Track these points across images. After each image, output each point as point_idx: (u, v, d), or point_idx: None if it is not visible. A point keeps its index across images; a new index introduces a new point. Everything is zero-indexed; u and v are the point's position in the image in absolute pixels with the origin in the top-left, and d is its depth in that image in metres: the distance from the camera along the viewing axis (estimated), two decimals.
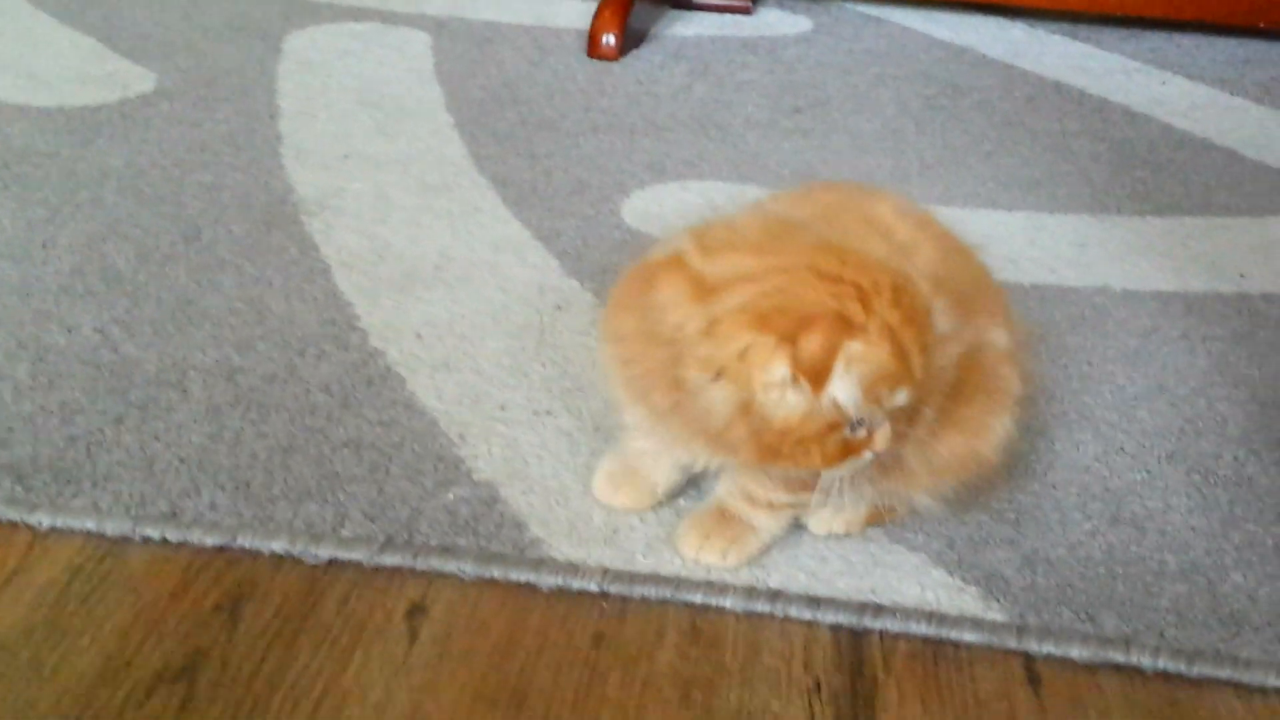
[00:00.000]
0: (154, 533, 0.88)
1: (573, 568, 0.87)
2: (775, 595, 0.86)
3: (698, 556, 0.89)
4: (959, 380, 0.83)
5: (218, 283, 1.19)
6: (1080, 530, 0.94)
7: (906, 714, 0.79)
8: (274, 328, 1.13)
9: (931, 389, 0.79)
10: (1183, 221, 1.45)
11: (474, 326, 1.15)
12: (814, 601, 0.86)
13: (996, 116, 1.73)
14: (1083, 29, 2.09)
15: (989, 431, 0.87)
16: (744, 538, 0.89)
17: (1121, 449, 1.04)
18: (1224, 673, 0.82)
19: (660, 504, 0.94)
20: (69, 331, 1.10)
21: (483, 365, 1.09)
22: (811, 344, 0.72)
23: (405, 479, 0.95)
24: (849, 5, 2.15)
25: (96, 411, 1.00)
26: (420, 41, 1.86)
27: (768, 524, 0.89)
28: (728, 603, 0.85)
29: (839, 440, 0.77)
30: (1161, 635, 0.85)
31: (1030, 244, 1.37)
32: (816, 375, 0.73)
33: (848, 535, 0.92)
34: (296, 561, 0.87)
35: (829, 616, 0.85)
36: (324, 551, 0.87)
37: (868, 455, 0.79)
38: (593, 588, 0.86)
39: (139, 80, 1.65)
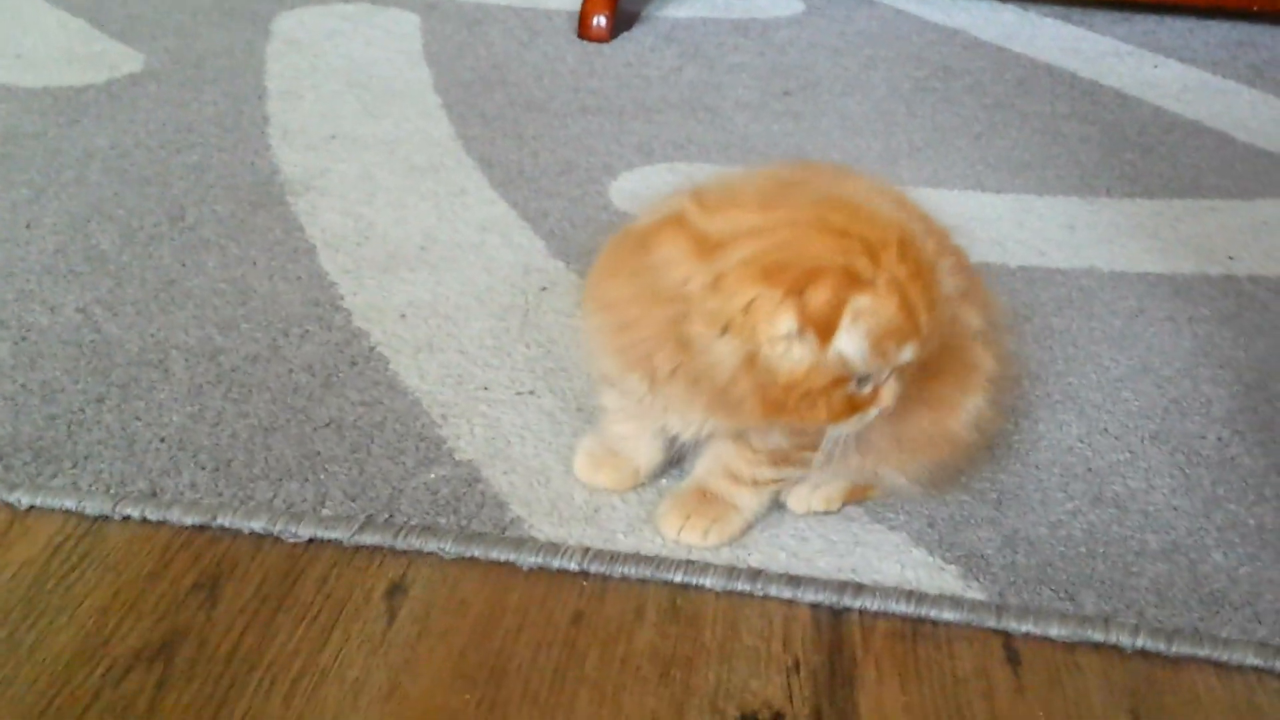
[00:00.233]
0: (134, 512, 0.88)
1: (553, 547, 0.87)
2: (755, 574, 0.86)
3: (679, 537, 0.88)
4: (929, 357, 0.82)
5: (202, 263, 1.19)
6: (1062, 510, 0.94)
7: (885, 692, 0.79)
8: (257, 308, 1.13)
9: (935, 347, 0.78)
10: (1172, 204, 1.45)
11: (458, 307, 1.15)
12: (794, 580, 0.86)
13: (987, 99, 1.72)
14: (1075, 12, 2.08)
15: (959, 409, 0.87)
16: (726, 517, 0.89)
17: (1105, 429, 1.03)
18: (1203, 651, 0.82)
19: (642, 484, 0.94)
20: (52, 311, 1.10)
21: (466, 346, 1.09)
22: (819, 296, 0.71)
23: (386, 459, 0.95)
24: None
25: (78, 391, 1.00)
26: (409, 22, 1.85)
27: (750, 503, 0.89)
28: (708, 582, 0.85)
29: (845, 396, 0.76)
30: (1141, 614, 0.85)
31: (1019, 226, 1.37)
32: (823, 328, 0.72)
33: (827, 513, 0.92)
34: (276, 541, 0.87)
35: (809, 595, 0.85)
36: (304, 531, 0.87)
37: (873, 411, 0.78)
38: (573, 567, 0.86)
39: (126, 61, 1.64)
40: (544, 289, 1.18)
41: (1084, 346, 1.15)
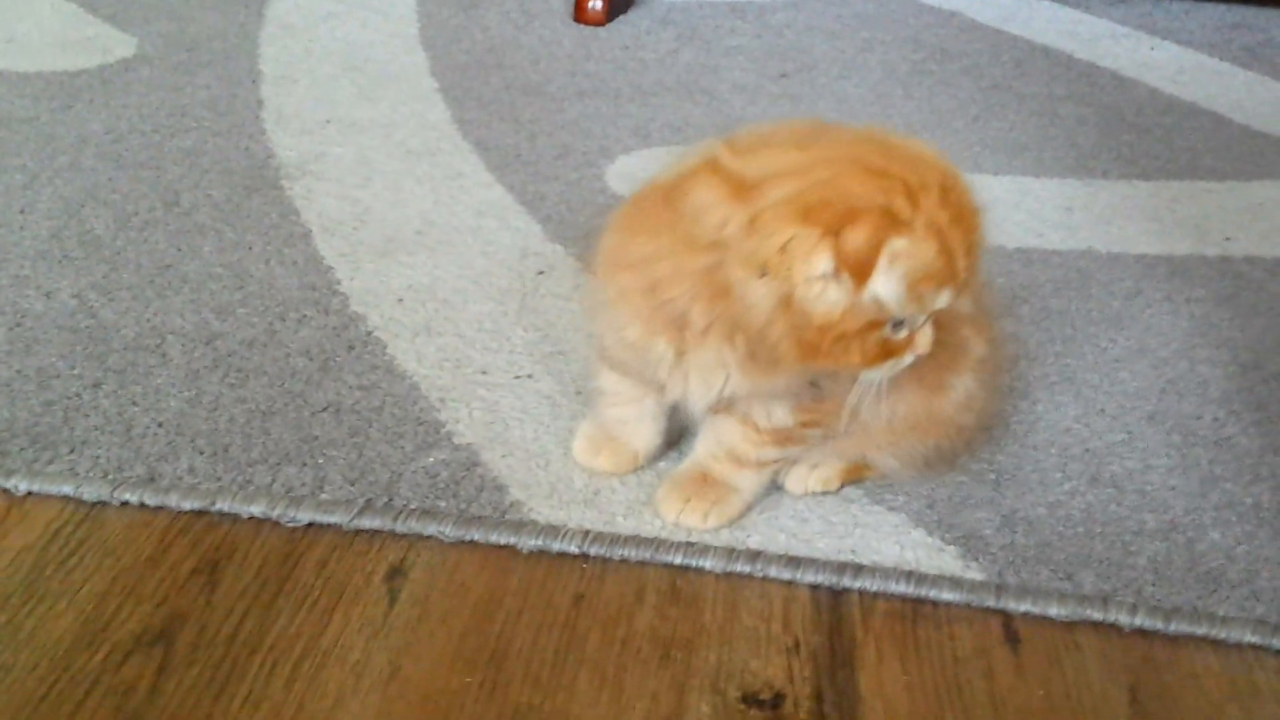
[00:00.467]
0: (132, 497, 0.88)
1: (553, 530, 0.87)
2: (755, 556, 0.86)
3: (679, 519, 0.88)
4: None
5: (197, 248, 1.19)
6: (1060, 490, 0.94)
7: (885, 673, 0.79)
8: (254, 292, 1.12)
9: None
10: (1169, 185, 1.44)
11: (455, 291, 1.15)
12: (793, 561, 0.86)
13: (984, 81, 1.72)
14: None
15: (948, 389, 0.87)
16: (725, 500, 0.89)
17: (1102, 410, 1.04)
18: (1201, 629, 0.82)
19: (641, 467, 0.94)
20: (47, 296, 1.10)
21: (464, 330, 1.09)
22: (856, 237, 0.69)
23: (385, 443, 0.95)
24: None
25: (74, 376, 1.00)
26: (405, 5, 1.84)
27: (749, 484, 0.89)
28: (707, 563, 0.86)
29: (879, 339, 0.74)
30: (1139, 593, 0.85)
31: (1016, 208, 1.37)
32: (860, 270, 0.70)
33: (826, 493, 0.92)
34: (275, 525, 0.87)
35: (808, 576, 0.85)
36: (303, 515, 0.87)
37: (908, 358, 0.77)
38: (573, 549, 0.86)
39: (120, 45, 1.63)
40: (541, 272, 1.18)
41: (1081, 327, 1.15)
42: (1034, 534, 0.90)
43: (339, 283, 1.15)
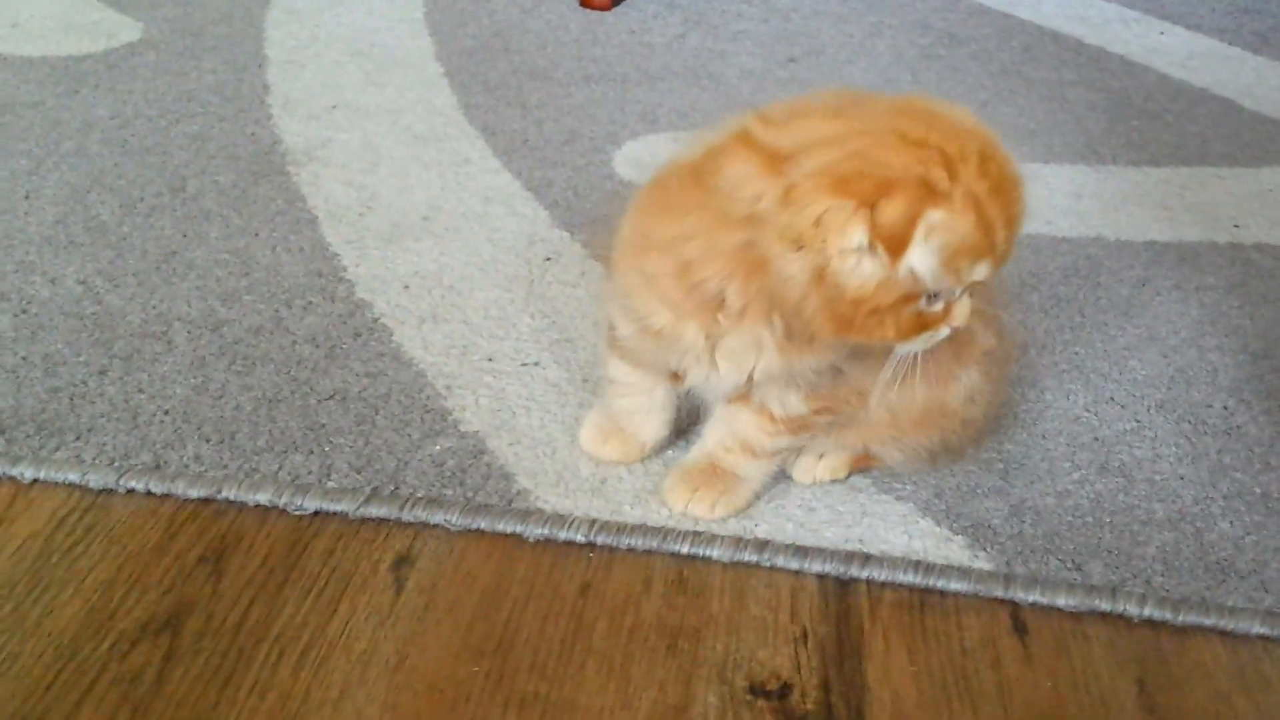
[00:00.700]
0: (138, 485, 0.88)
1: (560, 519, 0.87)
2: (762, 545, 0.86)
3: (686, 509, 0.88)
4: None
5: (203, 234, 1.18)
6: (1069, 479, 0.94)
7: (892, 662, 0.79)
8: (260, 279, 1.12)
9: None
10: (1178, 171, 1.44)
11: (462, 278, 1.14)
12: (801, 551, 0.85)
13: (993, 66, 1.71)
14: None
15: (954, 381, 0.86)
16: (733, 489, 0.88)
17: (1111, 399, 1.03)
18: (1209, 620, 0.82)
19: (648, 456, 0.93)
20: (52, 283, 1.09)
21: (471, 317, 1.09)
22: (892, 210, 0.67)
23: (392, 430, 0.94)
24: None
25: (80, 363, 0.99)
26: None
27: (757, 474, 0.88)
28: (714, 553, 0.85)
29: (914, 313, 0.72)
30: (1148, 583, 0.85)
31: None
32: (895, 243, 0.68)
33: (834, 481, 0.91)
34: (282, 513, 0.87)
35: (816, 566, 0.85)
36: (309, 503, 0.87)
37: (944, 330, 0.75)
38: (580, 538, 0.86)
39: (125, 29, 1.63)
40: (548, 259, 1.18)
41: (1090, 315, 1.14)
42: (1042, 523, 0.89)
43: (345, 269, 1.14)
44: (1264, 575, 0.86)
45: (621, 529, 0.86)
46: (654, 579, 0.84)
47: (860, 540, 0.87)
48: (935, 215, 0.68)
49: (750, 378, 0.80)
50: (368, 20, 1.72)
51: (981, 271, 0.72)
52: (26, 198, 1.22)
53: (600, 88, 1.56)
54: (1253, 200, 1.37)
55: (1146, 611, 0.82)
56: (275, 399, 0.97)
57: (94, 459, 0.90)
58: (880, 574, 0.84)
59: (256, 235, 1.19)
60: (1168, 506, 0.92)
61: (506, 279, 1.14)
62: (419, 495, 0.88)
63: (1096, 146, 1.48)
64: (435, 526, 0.87)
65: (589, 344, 1.05)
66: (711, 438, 0.89)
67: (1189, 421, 1.01)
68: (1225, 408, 1.03)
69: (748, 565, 0.85)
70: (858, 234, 0.68)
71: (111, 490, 0.88)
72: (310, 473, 0.90)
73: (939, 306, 0.74)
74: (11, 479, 0.88)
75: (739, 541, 0.86)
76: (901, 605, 0.83)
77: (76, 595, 0.80)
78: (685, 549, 0.86)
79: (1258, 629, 0.82)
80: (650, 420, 0.91)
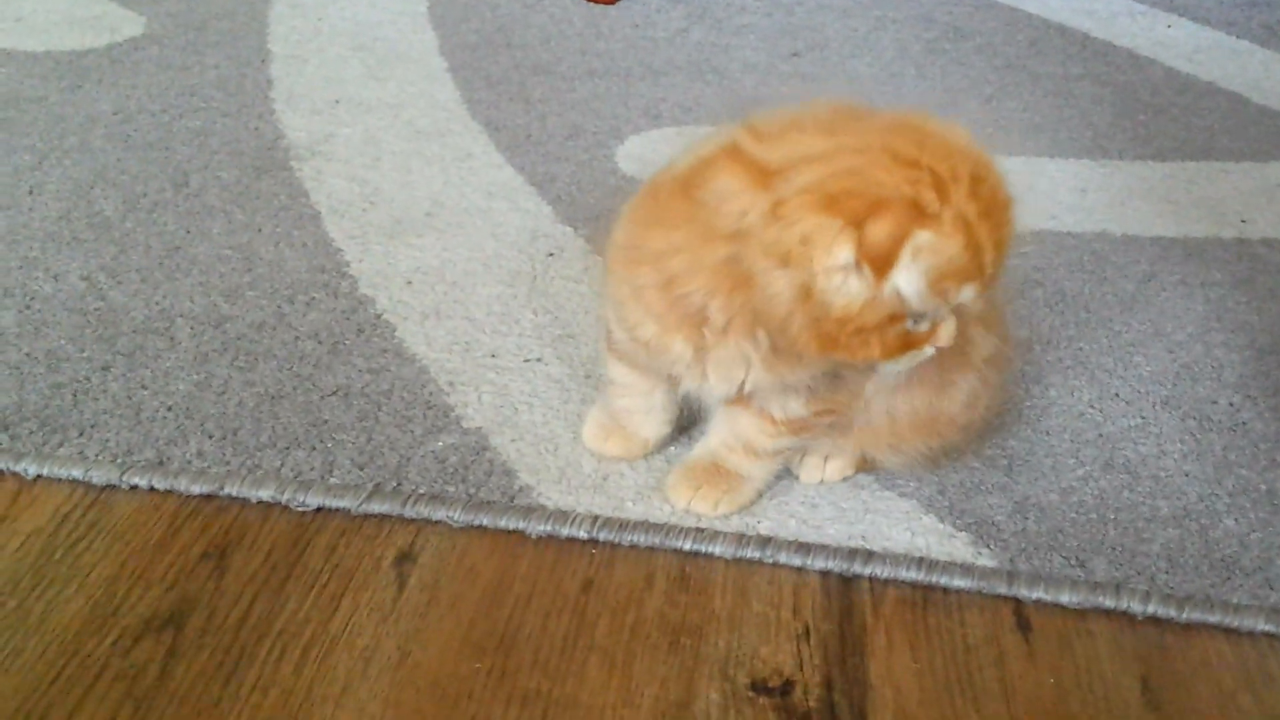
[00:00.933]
0: (141, 481, 0.88)
1: (562, 515, 0.87)
2: (765, 542, 0.86)
3: (690, 507, 0.88)
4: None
5: (206, 229, 1.18)
6: (1073, 476, 0.93)
7: (895, 660, 0.79)
8: (263, 275, 1.12)
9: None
10: (1185, 166, 1.43)
11: (465, 273, 1.14)
12: (804, 548, 0.85)
13: (998, 60, 1.70)
14: None
15: (953, 388, 0.85)
16: (736, 487, 0.88)
17: (1116, 395, 1.03)
18: (1214, 617, 0.82)
19: (650, 453, 0.93)
20: (55, 279, 1.09)
21: (473, 312, 1.09)
22: (879, 230, 0.67)
23: (394, 426, 0.94)
24: None
25: (83, 359, 0.99)
26: None
27: (760, 472, 0.88)
28: (717, 549, 0.85)
29: (900, 333, 0.72)
30: (1152, 580, 0.84)
31: (1030, 189, 1.35)
32: (881, 263, 0.68)
33: (844, 480, 0.91)
34: (284, 509, 0.87)
35: (819, 563, 0.85)
36: (312, 499, 0.87)
37: (928, 350, 0.75)
38: (582, 535, 0.86)
39: (128, 24, 1.63)
40: (551, 255, 1.18)
41: (1095, 311, 1.14)
42: (1046, 520, 0.89)
43: (348, 265, 1.14)
44: (1269, 572, 0.86)
45: (624, 526, 0.86)
46: (656, 576, 0.84)
47: (863, 537, 0.87)
48: (923, 236, 0.68)
49: (744, 388, 0.80)
50: (371, 14, 1.71)
51: (968, 293, 0.72)
52: (30, 193, 1.22)
53: (604, 82, 1.55)
54: (1260, 195, 1.37)
55: (1151, 609, 0.82)
56: (278, 395, 0.97)
57: (97, 455, 0.90)
58: (883, 571, 0.84)
59: (259, 231, 1.19)
60: (1172, 503, 0.91)
61: (509, 274, 1.14)
62: (421, 492, 0.88)
63: (1102, 141, 1.48)
64: (437, 523, 0.87)
65: (592, 340, 1.04)
66: (714, 437, 0.89)
67: (1194, 418, 1.01)
68: (1231, 404, 1.02)
69: (750, 562, 0.85)
70: (844, 253, 0.68)
71: (114, 487, 0.88)
72: (313, 469, 0.90)
73: (925, 326, 0.74)
74: (15, 475, 0.88)
75: (741, 538, 0.86)
76: (904, 602, 0.83)
77: (79, 591, 0.80)
78: (688, 546, 0.85)
79: (1263, 626, 0.81)
80: (651, 419, 0.91)
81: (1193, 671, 0.79)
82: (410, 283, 1.12)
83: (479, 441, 0.93)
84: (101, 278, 1.10)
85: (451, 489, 0.89)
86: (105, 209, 1.21)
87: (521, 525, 0.86)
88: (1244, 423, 1.00)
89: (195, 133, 1.36)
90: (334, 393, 0.98)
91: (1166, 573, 0.85)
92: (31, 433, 0.91)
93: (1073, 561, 0.86)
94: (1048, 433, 0.98)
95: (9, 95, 1.41)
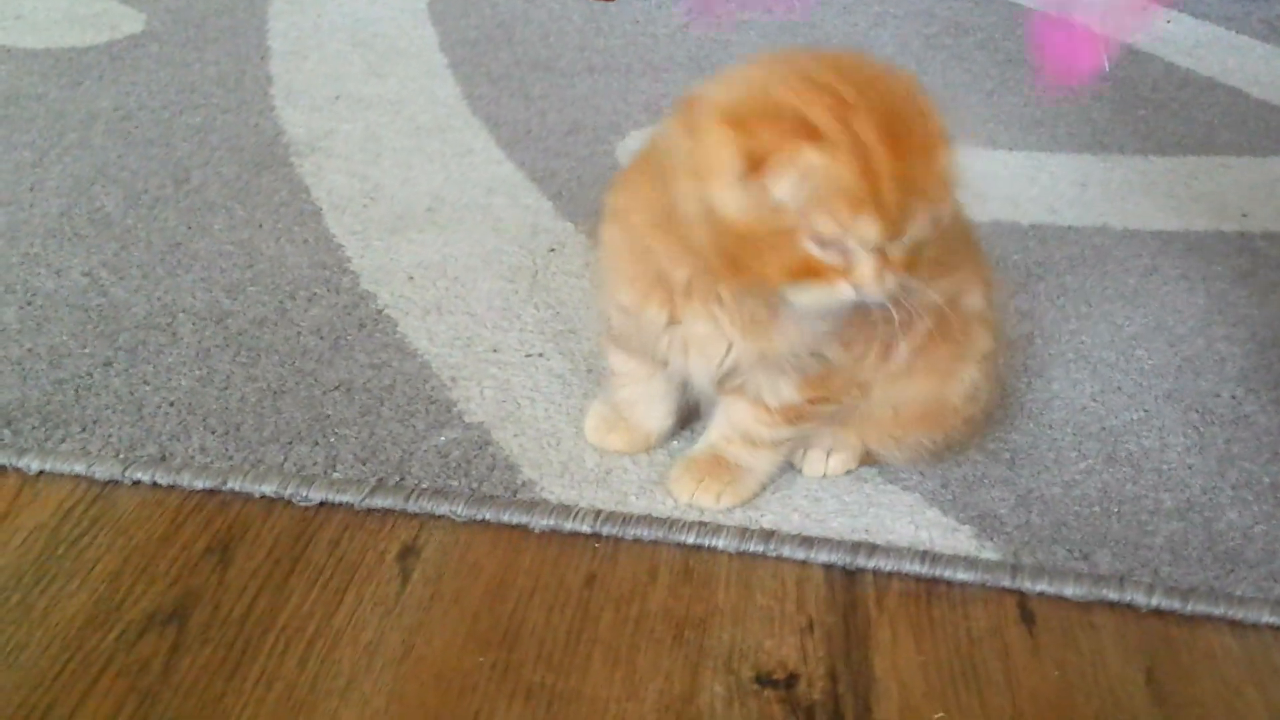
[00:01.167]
0: (144, 476, 0.88)
1: (565, 509, 0.87)
2: (768, 535, 0.86)
3: (692, 500, 0.88)
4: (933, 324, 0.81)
5: (207, 225, 1.18)
6: (1076, 469, 0.93)
7: (899, 653, 0.79)
8: (264, 271, 1.12)
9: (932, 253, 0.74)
10: (1185, 160, 1.43)
11: (466, 269, 1.14)
12: (807, 541, 0.85)
13: (999, 55, 1.70)
14: None
15: (956, 378, 0.86)
16: (739, 480, 0.88)
17: (1119, 388, 1.03)
18: (1218, 610, 0.82)
19: (653, 447, 0.93)
20: (57, 275, 1.09)
21: (475, 308, 1.09)
22: (763, 139, 0.68)
23: (396, 421, 0.94)
24: None
25: (85, 355, 0.99)
26: None
27: (763, 464, 0.88)
28: (720, 543, 0.85)
29: (801, 256, 0.71)
30: (1156, 573, 0.84)
31: (1031, 183, 1.35)
32: (760, 170, 0.68)
33: (847, 473, 0.91)
34: (287, 504, 0.87)
35: (822, 556, 0.84)
36: (315, 494, 0.87)
37: (844, 287, 0.72)
38: (585, 529, 0.86)
39: (128, 21, 1.62)
40: (552, 250, 1.17)
41: (1097, 305, 1.14)
42: (1049, 513, 0.89)
43: (349, 260, 1.14)
44: (1273, 564, 0.86)
45: (627, 520, 0.86)
46: (660, 569, 0.84)
47: (867, 530, 0.87)
48: (807, 151, 0.68)
49: (724, 365, 0.80)
50: (371, 10, 1.71)
51: (868, 228, 0.69)
52: (31, 190, 1.22)
53: (604, 78, 1.55)
54: (1260, 189, 1.37)
55: (1154, 601, 0.82)
56: (280, 390, 0.97)
57: (100, 450, 0.90)
58: (887, 564, 0.84)
59: (260, 227, 1.18)
60: (1175, 496, 0.91)
61: (510, 270, 1.14)
62: (424, 486, 0.88)
63: (1102, 135, 1.48)
64: (441, 517, 0.86)
65: (593, 335, 1.04)
66: (714, 430, 0.89)
67: (1197, 411, 1.01)
68: (1233, 397, 1.02)
69: (754, 555, 0.85)
70: (730, 158, 0.69)
71: (117, 482, 0.88)
72: (315, 464, 0.90)
73: (834, 258, 0.71)
74: (18, 471, 0.88)
75: (745, 532, 0.86)
76: (908, 595, 0.83)
77: (83, 586, 0.80)
78: (691, 539, 0.85)
79: (1267, 618, 0.81)
80: (652, 410, 0.91)
81: (1197, 664, 0.79)
82: (411, 278, 1.12)
83: (481, 436, 0.93)
84: (103, 274, 1.10)
85: (454, 484, 0.89)
86: (106, 205, 1.20)
87: (524, 520, 0.86)
88: (1246, 416, 1.00)
89: (195, 129, 1.36)
90: (336, 388, 0.98)
91: (1170, 565, 0.85)
92: (34, 428, 0.91)
93: (1076, 554, 0.86)
94: (1050, 426, 0.98)
95: (9, 92, 1.41)
